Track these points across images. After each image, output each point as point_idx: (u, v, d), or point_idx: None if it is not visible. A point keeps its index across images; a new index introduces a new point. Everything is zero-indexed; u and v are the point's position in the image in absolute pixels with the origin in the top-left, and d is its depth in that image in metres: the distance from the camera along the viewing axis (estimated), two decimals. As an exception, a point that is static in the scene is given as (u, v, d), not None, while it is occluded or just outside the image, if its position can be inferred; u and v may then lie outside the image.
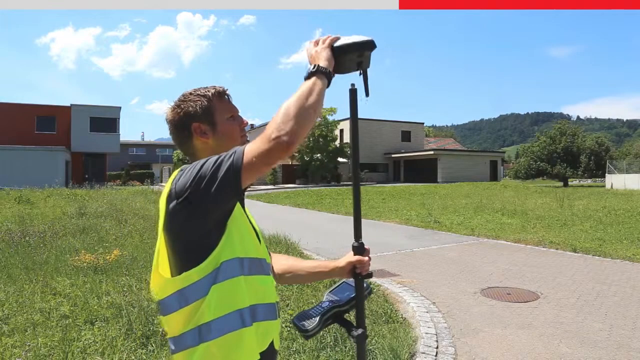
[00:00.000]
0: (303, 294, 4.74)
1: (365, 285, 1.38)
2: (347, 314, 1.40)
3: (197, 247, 1.16)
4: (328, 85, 1.20)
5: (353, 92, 1.36)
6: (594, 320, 4.33)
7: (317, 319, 1.35)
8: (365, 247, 1.39)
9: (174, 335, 1.22)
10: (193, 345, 1.17)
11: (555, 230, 10.32)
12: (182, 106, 1.29)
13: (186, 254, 1.17)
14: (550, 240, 8.81)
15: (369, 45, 1.29)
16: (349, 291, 1.39)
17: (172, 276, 1.19)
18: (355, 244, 1.38)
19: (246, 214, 1.27)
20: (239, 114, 1.37)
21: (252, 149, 1.08)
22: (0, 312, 4.06)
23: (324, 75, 1.18)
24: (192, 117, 1.28)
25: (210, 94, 1.31)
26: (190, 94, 1.31)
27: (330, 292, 1.45)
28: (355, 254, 1.38)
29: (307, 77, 1.17)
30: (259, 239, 1.29)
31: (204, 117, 1.28)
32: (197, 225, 1.14)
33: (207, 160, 1.12)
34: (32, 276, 5.23)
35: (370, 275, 1.38)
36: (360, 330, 1.31)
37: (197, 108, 1.28)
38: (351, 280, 1.42)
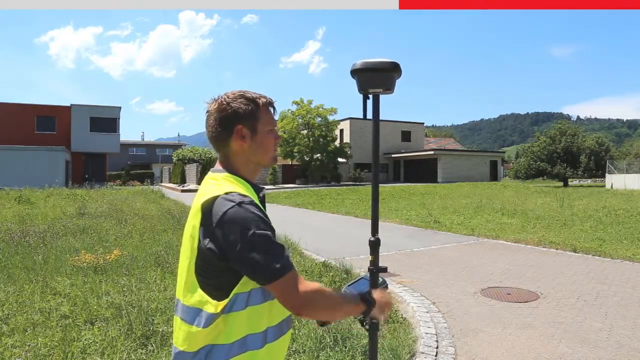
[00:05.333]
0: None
1: (381, 280, 1.48)
2: None
3: (224, 282, 1.20)
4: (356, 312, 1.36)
5: (376, 97, 1.45)
6: (594, 320, 4.32)
7: None
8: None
9: (179, 348, 1.23)
10: None
11: (555, 230, 10.31)
12: (233, 105, 1.29)
13: (213, 285, 1.21)
14: (550, 240, 8.81)
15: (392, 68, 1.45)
16: (366, 286, 1.47)
17: (200, 287, 1.22)
18: (372, 239, 1.55)
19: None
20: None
21: (285, 286, 1.16)
22: (0, 312, 4.06)
23: (369, 311, 1.34)
24: (239, 119, 1.29)
25: (260, 102, 1.32)
26: (241, 95, 1.31)
27: (348, 286, 1.50)
28: (371, 248, 1.56)
29: (362, 298, 1.33)
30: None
31: (249, 122, 1.30)
32: (226, 268, 1.19)
33: (258, 246, 1.15)
34: (32, 276, 5.23)
35: (384, 269, 1.46)
36: (373, 321, 1.41)
37: (247, 112, 1.29)
38: (369, 276, 1.50)
